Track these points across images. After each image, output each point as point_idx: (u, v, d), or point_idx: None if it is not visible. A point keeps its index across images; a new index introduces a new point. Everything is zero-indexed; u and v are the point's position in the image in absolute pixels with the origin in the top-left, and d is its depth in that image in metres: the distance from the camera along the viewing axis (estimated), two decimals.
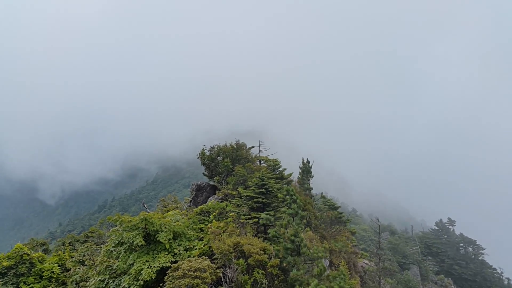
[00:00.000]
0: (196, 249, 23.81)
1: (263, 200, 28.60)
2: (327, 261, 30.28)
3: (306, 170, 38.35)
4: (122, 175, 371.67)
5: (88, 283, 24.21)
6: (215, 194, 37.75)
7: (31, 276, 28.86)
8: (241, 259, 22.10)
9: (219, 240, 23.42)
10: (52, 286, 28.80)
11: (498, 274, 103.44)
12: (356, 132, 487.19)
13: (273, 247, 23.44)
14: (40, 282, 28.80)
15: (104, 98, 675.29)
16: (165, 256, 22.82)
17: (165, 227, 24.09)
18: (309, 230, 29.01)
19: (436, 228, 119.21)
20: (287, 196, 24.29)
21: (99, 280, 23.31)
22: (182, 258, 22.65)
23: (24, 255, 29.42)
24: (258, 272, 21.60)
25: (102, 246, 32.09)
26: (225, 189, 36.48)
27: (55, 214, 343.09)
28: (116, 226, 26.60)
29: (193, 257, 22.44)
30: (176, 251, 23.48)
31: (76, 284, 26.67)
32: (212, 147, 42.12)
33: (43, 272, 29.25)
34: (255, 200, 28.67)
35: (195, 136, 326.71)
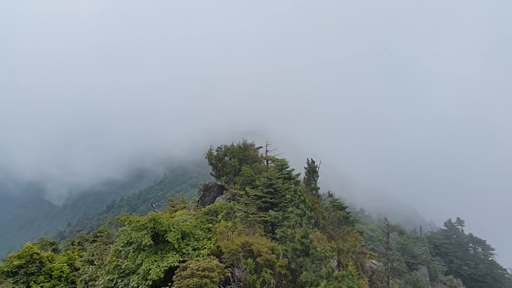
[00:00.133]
0: (204, 248, 23.85)
1: (271, 200, 28.62)
2: (335, 261, 30.19)
3: (312, 170, 38.23)
4: (129, 176, 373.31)
5: (97, 283, 24.36)
6: (222, 194, 37.84)
7: (41, 275, 29.13)
8: (249, 258, 22.11)
9: (227, 240, 23.44)
10: (62, 285, 29.04)
11: (508, 275, 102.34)
12: (359, 131, 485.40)
13: (281, 247, 23.43)
14: (49, 281, 29.06)
15: (107, 99, 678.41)
16: (173, 255, 22.89)
17: (174, 227, 24.16)
18: (317, 230, 28.93)
19: (445, 228, 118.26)
20: (295, 196, 24.25)
21: (108, 279, 23.45)
22: (190, 257, 22.70)
23: (34, 254, 29.71)
24: (266, 272, 21.59)
25: (111, 245, 32.28)
26: (232, 189, 36.56)
27: (64, 214, 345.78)
28: (124, 226, 26.76)
29: (202, 256, 22.49)
30: (184, 250, 23.55)
31: (85, 283, 26.84)
32: (219, 147, 42.26)
33: (53, 271, 29.50)
34: (263, 199, 28.70)
35: (198, 136, 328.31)
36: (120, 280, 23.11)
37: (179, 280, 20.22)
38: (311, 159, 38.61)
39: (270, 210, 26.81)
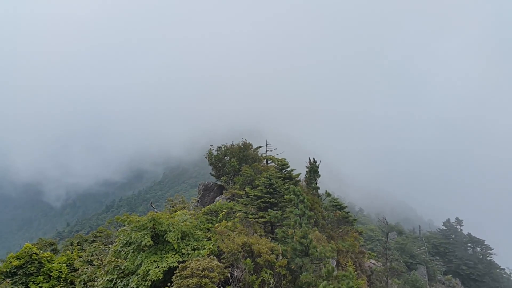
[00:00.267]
0: (204, 248, 23.84)
1: (271, 200, 28.62)
2: (334, 261, 30.19)
3: (313, 169, 38.18)
4: (127, 177, 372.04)
5: (96, 283, 24.33)
6: (222, 194, 37.84)
7: (40, 275, 29.01)
8: (248, 258, 22.11)
9: (228, 239, 23.45)
10: (61, 285, 28.92)
11: (506, 275, 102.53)
12: (358, 130, 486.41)
13: (281, 247, 23.44)
14: (48, 281, 28.93)
15: (105, 99, 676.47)
16: (172, 256, 22.88)
17: (173, 227, 24.15)
18: (317, 230, 28.94)
19: (444, 227, 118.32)
20: (294, 196, 24.25)
21: (107, 280, 23.43)
22: (190, 258, 22.69)
23: (33, 255, 29.57)
24: (266, 272, 21.61)
25: (110, 246, 32.24)
26: (232, 189, 36.54)
27: (63, 214, 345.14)
28: (124, 226, 26.72)
29: (202, 256, 22.49)
30: (183, 251, 23.53)
31: (84, 283, 26.79)
32: (219, 147, 42.24)
33: (52, 271, 29.37)
34: (262, 199, 28.70)
35: (197, 136, 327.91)
36: (119, 281, 23.09)
37: (179, 280, 20.22)
38: (313, 159, 38.53)
39: (269, 210, 26.78)
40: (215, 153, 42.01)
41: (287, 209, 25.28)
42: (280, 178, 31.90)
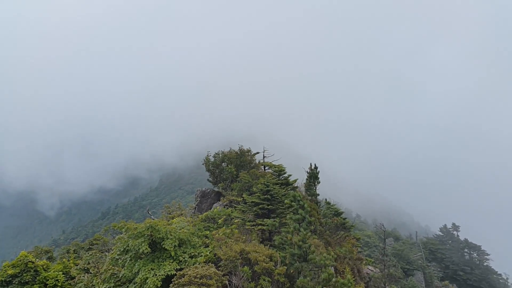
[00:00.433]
0: (201, 256, 23.72)
1: (268, 207, 28.58)
2: (332, 267, 30.11)
3: (313, 175, 38.05)
4: (122, 184, 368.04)
5: None
6: (219, 201, 37.74)
7: (36, 284, 28.70)
8: (246, 266, 22.02)
9: (226, 247, 23.36)
10: None
11: (503, 280, 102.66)
12: (354, 137, 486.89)
13: (279, 254, 23.36)
14: None
15: (98, 107, 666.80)
16: (170, 263, 22.76)
17: (171, 234, 24.04)
18: (315, 236, 28.88)
19: (441, 233, 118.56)
20: (294, 202, 24.22)
21: None
22: (187, 265, 22.58)
23: (29, 263, 29.29)
24: (264, 280, 21.51)
25: (107, 253, 31.98)
26: (229, 195, 36.46)
27: (58, 221, 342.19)
28: (121, 233, 26.53)
29: (199, 264, 22.37)
30: (181, 258, 23.41)
31: None
32: (216, 153, 42.19)
33: (48, 280, 29.07)
34: (260, 206, 28.65)
35: (192, 143, 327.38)
36: None
37: None
38: (315, 164, 38.40)
39: (265, 219, 26.73)
40: (212, 159, 41.94)
41: (287, 216, 25.22)
42: (278, 185, 31.85)
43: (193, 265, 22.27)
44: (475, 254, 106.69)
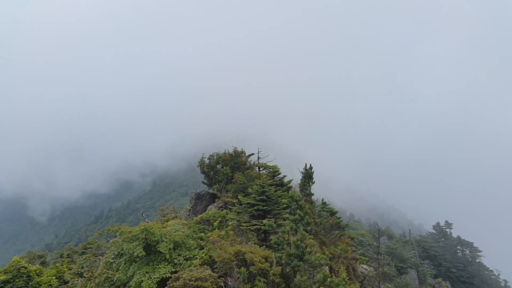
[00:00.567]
0: (196, 258, 23.66)
1: (264, 208, 28.56)
2: (327, 267, 30.19)
3: (308, 175, 38.12)
4: (115, 188, 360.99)
5: None
6: (214, 203, 37.60)
7: None
8: (242, 267, 21.99)
9: (220, 249, 23.32)
10: None
11: (495, 276, 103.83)
12: (346, 137, 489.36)
13: (274, 254, 23.37)
14: None
15: (88, 111, 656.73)
16: (165, 266, 22.67)
17: (166, 237, 23.95)
18: (311, 236, 28.93)
19: (434, 231, 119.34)
20: (293, 203, 24.27)
21: None
22: (182, 268, 22.51)
23: (21, 268, 29.02)
24: (259, 281, 21.50)
25: (101, 257, 31.80)
26: (224, 197, 36.36)
27: (51, 226, 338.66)
28: (115, 236, 26.37)
29: (194, 266, 22.30)
30: (176, 261, 23.33)
31: None
32: (211, 155, 42.03)
33: (41, 285, 28.78)
34: (255, 207, 28.62)
35: (184, 145, 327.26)
36: None
37: None
38: (309, 165, 38.48)
39: (263, 220, 26.75)
40: (207, 161, 41.81)
41: (284, 216, 25.26)
42: (273, 186, 31.85)
43: (188, 267, 22.20)
44: (467, 251, 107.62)
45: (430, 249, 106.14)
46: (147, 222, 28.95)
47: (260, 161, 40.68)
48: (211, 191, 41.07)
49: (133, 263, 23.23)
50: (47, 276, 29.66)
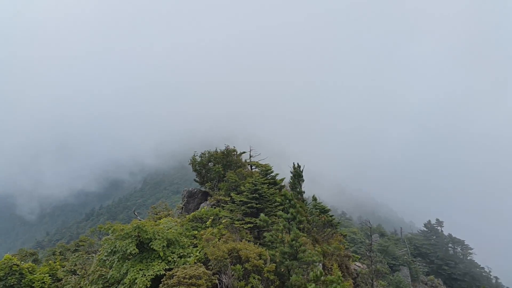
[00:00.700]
0: (190, 256, 23.68)
1: (257, 205, 28.64)
2: (320, 264, 30.36)
3: (297, 174, 38.38)
4: (104, 187, 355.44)
5: None
6: (207, 200, 37.63)
7: (21, 287, 28.33)
8: (237, 264, 22.05)
9: (213, 246, 23.35)
10: None
11: (486, 273, 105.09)
12: (337, 137, 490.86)
13: (268, 252, 23.46)
14: None
15: (74, 109, 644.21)
16: (159, 264, 22.67)
17: (159, 235, 23.93)
18: (304, 234, 29.06)
19: (425, 229, 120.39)
20: (285, 201, 24.37)
21: None
22: (176, 265, 22.52)
23: (13, 266, 28.85)
24: (254, 278, 21.57)
25: (93, 255, 31.70)
26: (217, 195, 36.38)
27: (42, 223, 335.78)
28: (107, 234, 26.30)
29: (189, 264, 22.32)
30: (170, 258, 23.34)
31: None
32: (203, 153, 42.01)
33: (34, 282, 28.68)
34: (248, 205, 28.70)
35: (172, 143, 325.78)
36: None
37: None
38: (297, 163, 38.74)
39: (261, 214, 26.83)
40: (198, 159, 41.76)
41: (278, 213, 25.36)
42: (265, 184, 31.93)
43: (183, 265, 22.22)
44: (459, 249, 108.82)
45: (421, 247, 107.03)
46: (140, 220, 28.89)
47: (252, 159, 40.75)
48: (203, 189, 41.05)
49: (127, 261, 23.19)
50: (40, 274, 29.54)
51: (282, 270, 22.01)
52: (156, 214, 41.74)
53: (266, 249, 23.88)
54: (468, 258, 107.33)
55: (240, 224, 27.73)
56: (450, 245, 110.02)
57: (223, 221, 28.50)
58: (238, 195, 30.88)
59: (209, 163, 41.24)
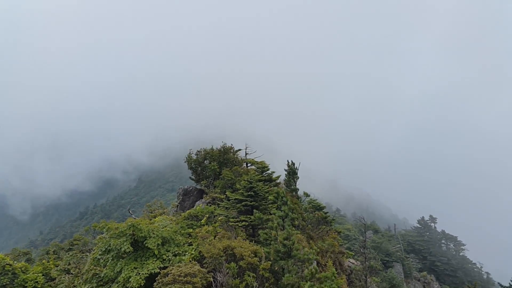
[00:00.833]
0: (185, 254, 23.65)
1: (252, 203, 28.64)
2: (314, 261, 30.46)
3: (292, 171, 38.48)
4: (97, 186, 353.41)
5: None
6: (202, 198, 37.57)
7: (14, 287, 28.12)
8: (232, 262, 22.06)
9: (208, 244, 23.33)
10: None
11: (477, 269, 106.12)
12: (332, 134, 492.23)
13: (263, 249, 23.50)
14: None
15: (66, 107, 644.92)
16: (153, 262, 22.61)
17: (153, 233, 23.87)
18: (298, 231, 29.14)
19: (418, 225, 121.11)
20: (278, 198, 24.39)
21: None
22: (171, 264, 22.48)
23: (6, 265, 28.60)
24: (249, 275, 21.60)
25: (87, 254, 31.55)
26: (212, 193, 36.33)
27: (35, 222, 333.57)
28: (102, 233, 26.19)
29: (184, 262, 22.30)
30: (164, 257, 23.29)
31: None
32: (198, 151, 41.89)
33: (27, 282, 28.44)
34: (243, 203, 28.67)
35: (166, 140, 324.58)
36: None
37: (160, 287, 20.01)
38: (291, 161, 38.82)
39: (251, 216, 26.85)
40: (194, 157, 41.66)
41: (272, 211, 25.39)
42: (261, 181, 31.94)
43: (178, 263, 22.19)
44: (451, 245, 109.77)
45: (415, 243, 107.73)
46: (134, 218, 28.78)
47: (248, 156, 40.74)
48: (198, 187, 40.96)
49: (121, 259, 23.12)
50: (33, 273, 29.28)
51: (276, 268, 22.04)
52: (151, 213, 41.65)
53: (261, 247, 23.90)
54: (461, 254, 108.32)
55: (235, 222, 27.73)
56: (443, 241, 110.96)
57: (219, 219, 28.50)
58: (234, 193, 30.86)
59: (205, 161, 41.17)
